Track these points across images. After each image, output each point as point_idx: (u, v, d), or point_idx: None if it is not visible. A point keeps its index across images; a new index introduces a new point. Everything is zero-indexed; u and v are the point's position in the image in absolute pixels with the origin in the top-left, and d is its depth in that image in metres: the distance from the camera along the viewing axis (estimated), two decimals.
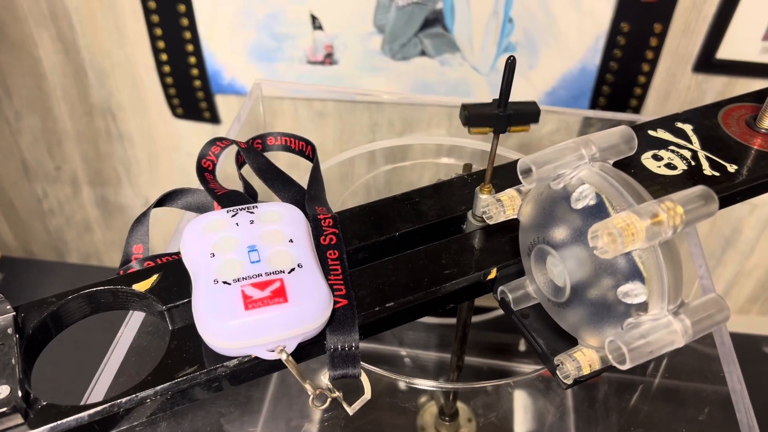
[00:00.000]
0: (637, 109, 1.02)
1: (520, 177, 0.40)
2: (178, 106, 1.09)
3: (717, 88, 0.98)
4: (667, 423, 0.65)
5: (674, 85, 0.99)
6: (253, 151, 0.54)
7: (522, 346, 0.82)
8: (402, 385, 0.63)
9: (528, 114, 0.45)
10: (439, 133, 1.03)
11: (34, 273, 1.24)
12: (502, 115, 0.45)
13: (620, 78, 0.99)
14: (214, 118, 1.10)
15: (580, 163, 0.40)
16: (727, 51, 0.94)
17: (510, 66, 0.43)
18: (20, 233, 1.32)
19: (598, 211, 0.38)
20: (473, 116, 0.45)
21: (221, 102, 1.09)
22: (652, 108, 1.01)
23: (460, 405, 0.69)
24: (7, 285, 1.17)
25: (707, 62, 0.96)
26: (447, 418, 0.68)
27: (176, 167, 1.18)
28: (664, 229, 0.35)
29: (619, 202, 0.37)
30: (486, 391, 0.71)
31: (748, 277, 1.20)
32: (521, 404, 0.71)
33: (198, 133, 1.12)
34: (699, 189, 0.36)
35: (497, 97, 0.45)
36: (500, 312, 0.81)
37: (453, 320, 0.84)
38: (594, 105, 1.02)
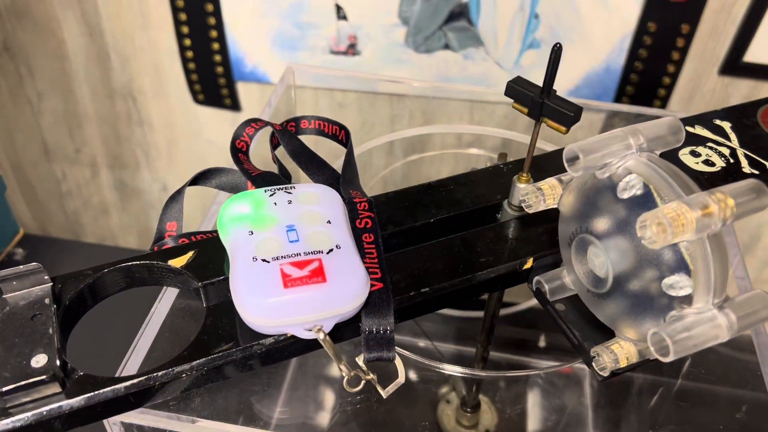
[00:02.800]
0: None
1: (566, 165, 0.40)
2: (199, 92, 1.09)
3: (742, 91, 0.97)
4: (693, 425, 0.64)
5: (699, 87, 0.98)
6: (287, 134, 0.53)
7: (542, 342, 0.82)
8: (422, 375, 0.63)
9: (561, 114, 0.44)
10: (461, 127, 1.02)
11: (52, 251, 1.24)
12: (538, 101, 0.44)
13: (645, 78, 0.98)
14: (235, 105, 1.10)
15: (627, 152, 0.39)
16: (754, 54, 0.94)
17: (556, 54, 0.42)
18: (38, 214, 1.32)
19: (645, 201, 0.38)
20: (515, 90, 0.45)
21: (242, 89, 1.08)
22: (676, 109, 1.01)
23: (481, 397, 0.69)
24: (28, 262, 1.17)
25: (734, 65, 0.95)
26: (469, 410, 0.68)
27: (195, 153, 1.18)
28: (714, 221, 0.35)
29: (668, 192, 0.37)
30: (507, 384, 0.71)
31: (764, 285, 1.20)
32: (541, 398, 0.71)
33: (218, 120, 1.12)
34: (751, 182, 0.36)
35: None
36: (520, 307, 0.81)
37: (471, 313, 0.84)
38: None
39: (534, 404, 0.70)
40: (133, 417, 0.44)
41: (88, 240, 1.36)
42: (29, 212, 1.32)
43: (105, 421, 0.43)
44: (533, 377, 0.72)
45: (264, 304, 0.39)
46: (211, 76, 1.07)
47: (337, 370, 0.74)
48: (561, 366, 0.59)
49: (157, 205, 1.27)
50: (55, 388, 0.38)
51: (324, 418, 0.70)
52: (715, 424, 0.59)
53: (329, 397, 0.71)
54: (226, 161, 1.13)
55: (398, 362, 0.42)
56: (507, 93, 0.45)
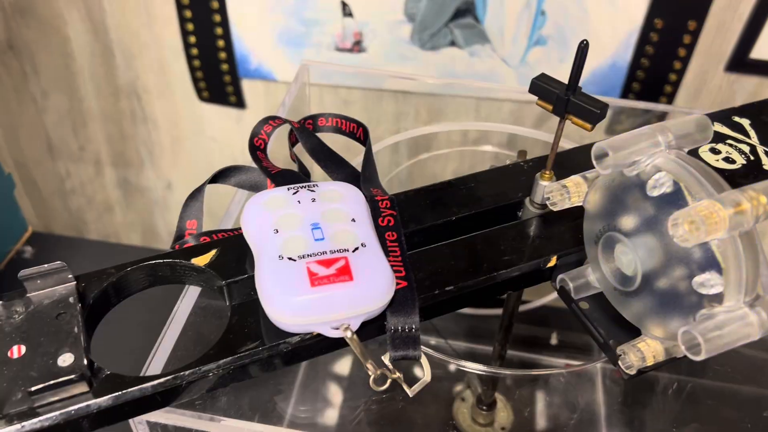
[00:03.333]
0: None
1: (594, 162, 0.40)
2: (204, 90, 1.09)
3: (748, 88, 0.97)
4: (713, 423, 0.64)
5: (705, 83, 0.98)
6: (306, 131, 0.53)
7: (554, 340, 0.82)
8: (437, 372, 0.63)
9: (586, 111, 0.44)
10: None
11: (60, 249, 1.24)
12: (563, 98, 0.44)
13: (651, 75, 0.98)
14: (240, 103, 1.10)
15: (656, 150, 0.39)
16: (761, 51, 0.94)
17: (582, 51, 0.42)
18: (42, 211, 1.32)
19: (675, 199, 0.38)
20: (539, 87, 0.45)
21: (247, 87, 1.08)
22: (682, 106, 1.01)
23: (497, 394, 0.69)
24: (37, 260, 1.17)
25: (740, 62, 0.95)
26: (484, 408, 0.68)
27: (199, 151, 1.17)
28: (747, 219, 0.34)
29: (698, 190, 0.37)
30: (523, 382, 0.71)
31: None
32: (557, 396, 0.71)
33: (222, 118, 1.12)
34: None
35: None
36: (532, 305, 0.81)
37: (482, 311, 0.84)
38: None
39: (549, 402, 0.70)
40: (159, 416, 0.43)
41: (91, 237, 1.36)
42: (33, 210, 1.32)
43: (131, 420, 0.43)
44: (547, 375, 0.72)
45: (292, 303, 0.39)
46: (216, 74, 1.07)
47: (348, 366, 0.74)
48: (584, 365, 0.59)
49: (161, 203, 1.27)
50: (83, 387, 0.37)
51: (337, 415, 0.69)
52: (738, 422, 0.59)
53: (342, 394, 0.71)
54: (231, 159, 1.13)
55: (424, 361, 0.42)
56: (531, 90, 0.45)
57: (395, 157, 0.91)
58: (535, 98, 0.46)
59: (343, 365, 0.74)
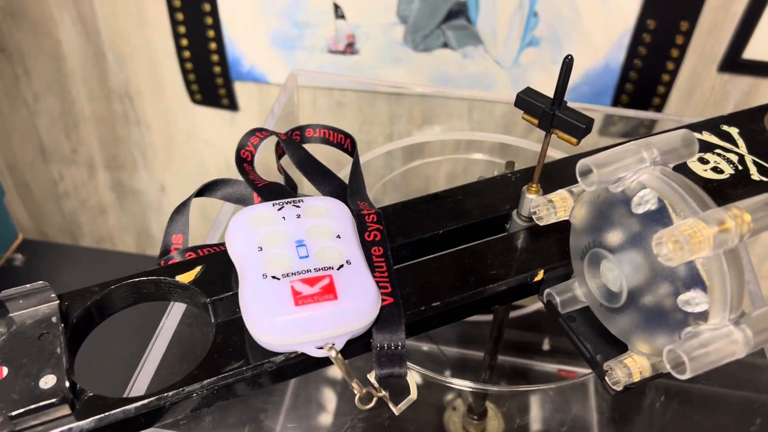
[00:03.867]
0: (659, 108, 1.01)
1: (579, 179, 0.39)
2: (196, 92, 1.09)
3: (742, 88, 0.97)
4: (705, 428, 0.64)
5: (698, 84, 0.98)
6: (293, 143, 0.53)
7: (546, 345, 0.82)
8: (428, 381, 0.62)
9: (572, 126, 0.43)
10: (460, 126, 1.02)
11: (52, 256, 1.23)
12: (549, 113, 0.44)
13: (644, 76, 0.98)
14: (233, 105, 1.10)
15: (641, 166, 0.39)
16: (753, 51, 0.93)
17: (567, 66, 0.42)
18: (35, 215, 1.32)
19: (660, 217, 0.38)
20: (524, 101, 0.44)
21: (240, 89, 1.08)
22: (675, 107, 1.00)
23: (488, 403, 0.69)
24: (27, 268, 1.16)
25: (733, 62, 0.95)
26: (475, 417, 0.67)
27: (192, 153, 1.17)
28: (731, 238, 0.34)
29: (683, 208, 0.37)
30: (515, 393, 0.70)
31: (764, 281, 1.20)
32: (548, 404, 0.70)
33: (215, 120, 1.12)
34: (767, 196, 0.35)
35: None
36: (525, 310, 0.81)
37: (476, 317, 0.84)
38: (616, 102, 1.02)
39: (541, 411, 0.70)
40: None
41: (85, 242, 1.35)
42: (26, 213, 1.32)
43: None
44: (538, 383, 0.72)
45: (275, 323, 0.39)
46: (209, 76, 1.07)
47: (339, 377, 0.74)
48: (573, 381, 0.59)
49: (154, 206, 1.27)
50: (65, 410, 0.37)
51: (328, 426, 0.69)
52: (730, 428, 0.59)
53: (332, 404, 0.71)
54: (224, 161, 1.13)
55: (410, 378, 0.42)
56: (517, 104, 0.45)
57: (390, 161, 0.91)
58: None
59: (332, 374, 0.74)
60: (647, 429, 0.65)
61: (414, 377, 0.42)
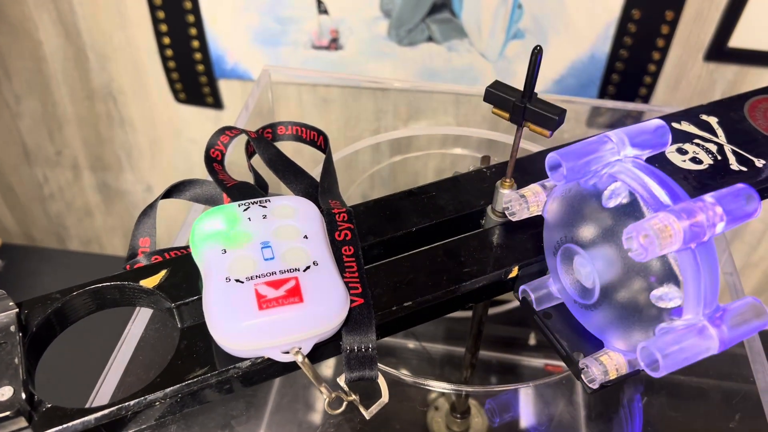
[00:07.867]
0: (646, 98, 1.00)
1: (548, 173, 0.38)
2: (180, 91, 1.07)
3: (728, 77, 0.96)
4: (686, 423, 0.63)
5: (685, 73, 0.97)
6: (263, 141, 0.52)
7: (532, 340, 0.81)
8: (410, 380, 0.62)
9: (544, 118, 0.42)
10: (446, 121, 1.01)
11: (35, 260, 1.22)
12: (520, 106, 0.43)
13: (630, 66, 0.97)
14: (217, 103, 1.09)
15: (612, 158, 0.38)
16: (739, 39, 0.92)
17: (535, 57, 0.41)
18: (21, 218, 1.31)
19: (631, 210, 0.36)
20: (494, 95, 0.43)
21: (224, 87, 1.07)
22: (662, 97, 0.99)
23: (471, 401, 0.68)
24: (8, 272, 1.15)
25: (719, 51, 0.94)
26: (458, 416, 0.66)
27: (178, 153, 1.16)
28: (703, 231, 0.33)
29: (655, 201, 0.36)
30: (498, 390, 0.69)
31: (754, 269, 1.19)
32: (533, 401, 0.69)
33: (200, 119, 1.11)
34: (739, 188, 0.34)
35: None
36: (509, 306, 0.80)
37: (461, 314, 0.83)
38: (603, 93, 1.01)
39: (526, 407, 0.69)
40: None
41: (72, 244, 1.34)
42: (12, 218, 1.31)
43: None
44: (525, 378, 0.71)
45: (238, 328, 0.37)
46: (192, 75, 1.05)
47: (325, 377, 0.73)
48: (552, 378, 0.58)
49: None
50: (21, 423, 0.36)
51: (311, 427, 0.68)
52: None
53: (316, 403, 0.70)
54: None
55: (381, 381, 0.41)
56: (486, 99, 0.43)
57: (376, 155, 0.90)
58: None
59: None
60: (633, 422, 0.64)
61: (384, 381, 0.41)
